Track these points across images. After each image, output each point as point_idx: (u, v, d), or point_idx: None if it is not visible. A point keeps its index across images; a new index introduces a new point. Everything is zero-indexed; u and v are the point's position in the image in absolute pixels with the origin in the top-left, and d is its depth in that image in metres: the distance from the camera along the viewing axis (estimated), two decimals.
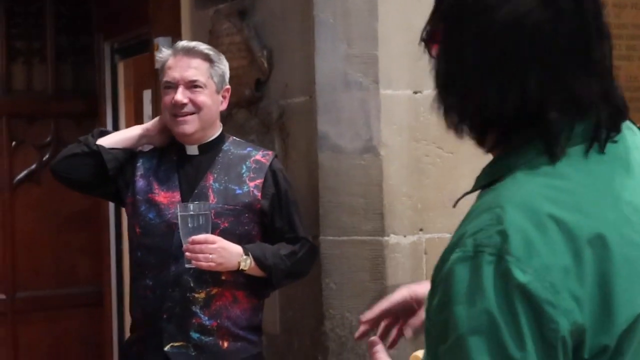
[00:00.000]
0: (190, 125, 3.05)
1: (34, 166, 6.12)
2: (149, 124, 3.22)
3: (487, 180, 1.33)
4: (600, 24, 1.32)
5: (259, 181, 3.08)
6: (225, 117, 4.17)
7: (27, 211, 6.03)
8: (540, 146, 1.27)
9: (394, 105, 3.62)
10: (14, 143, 6.09)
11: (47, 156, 6.13)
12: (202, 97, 3.05)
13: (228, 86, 3.16)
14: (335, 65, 3.64)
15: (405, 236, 3.64)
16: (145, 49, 5.48)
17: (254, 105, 3.99)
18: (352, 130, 3.62)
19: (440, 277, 1.25)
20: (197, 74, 3.05)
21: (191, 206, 2.93)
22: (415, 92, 3.62)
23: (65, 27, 6.29)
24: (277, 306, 3.89)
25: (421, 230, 3.66)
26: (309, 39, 3.71)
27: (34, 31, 6.22)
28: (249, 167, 3.09)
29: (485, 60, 1.29)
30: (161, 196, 3.06)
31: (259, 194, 3.06)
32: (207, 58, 3.08)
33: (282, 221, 3.12)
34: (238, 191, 3.06)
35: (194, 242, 2.89)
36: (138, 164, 3.13)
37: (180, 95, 3.01)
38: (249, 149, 3.18)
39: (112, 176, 3.11)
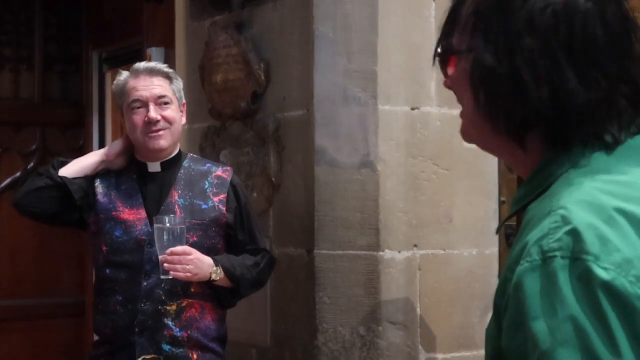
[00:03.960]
0: (165, 139, 3.15)
1: (18, 174, 6.09)
2: (106, 149, 3.31)
3: (532, 194, 1.25)
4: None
5: (222, 196, 3.21)
6: (219, 128, 4.17)
7: (11, 219, 5.96)
8: (591, 144, 1.21)
9: (392, 121, 3.62)
10: None
11: (32, 164, 6.11)
12: (171, 112, 3.17)
13: (184, 101, 3.28)
14: (334, 80, 3.65)
15: (399, 252, 3.64)
16: (136, 59, 5.44)
17: (249, 117, 3.99)
18: (349, 145, 3.63)
19: (506, 298, 1.15)
20: (164, 90, 3.17)
21: (167, 219, 3.02)
22: (413, 109, 3.62)
23: (54, 36, 6.29)
24: (268, 319, 3.88)
25: (415, 246, 3.67)
26: (307, 53, 3.72)
27: (23, 39, 6.20)
28: (211, 182, 3.22)
29: (544, 49, 1.21)
30: (126, 213, 3.15)
31: (224, 208, 3.19)
32: (167, 76, 3.21)
33: (244, 233, 3.25)
34: (204, 206, 3.18)
35: (172, 254, 2.97)
36: (96, 184, 3.20)
37: (154, 113, 3.12)
38: (208, 165, 3.30)
39: (79, 205, 3.18)
